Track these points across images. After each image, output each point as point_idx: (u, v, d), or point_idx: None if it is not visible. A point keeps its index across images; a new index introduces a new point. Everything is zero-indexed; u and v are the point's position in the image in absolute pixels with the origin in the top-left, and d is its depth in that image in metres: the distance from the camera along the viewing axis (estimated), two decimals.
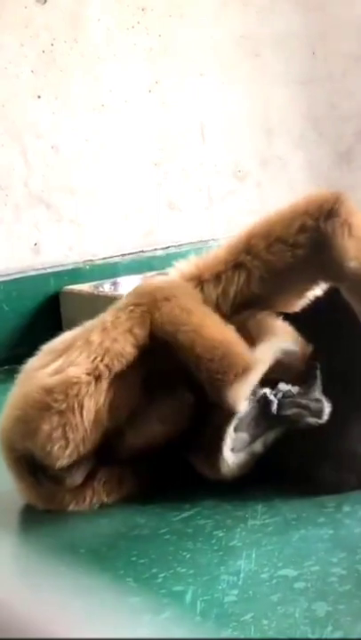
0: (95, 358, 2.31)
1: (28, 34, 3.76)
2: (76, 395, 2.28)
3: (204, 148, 4.17)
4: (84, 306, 3.71)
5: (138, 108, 4.01)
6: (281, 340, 2.40)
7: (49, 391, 2.29)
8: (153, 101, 4.05)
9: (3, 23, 3.72)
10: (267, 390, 2.36)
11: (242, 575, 2.03)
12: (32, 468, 2.36)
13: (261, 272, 2.47)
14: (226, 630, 1.84)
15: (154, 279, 2.53)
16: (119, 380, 2.32)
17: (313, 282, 2.51)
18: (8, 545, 2.35)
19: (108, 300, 3.63)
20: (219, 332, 2.35)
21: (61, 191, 3.86)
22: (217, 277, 2.49)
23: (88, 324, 2.48)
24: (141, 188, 4.03)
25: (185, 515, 2.32)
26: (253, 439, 2.37)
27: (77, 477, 2.36)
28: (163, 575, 2.06)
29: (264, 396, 2.35)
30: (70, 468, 2.33)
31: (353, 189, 4.57)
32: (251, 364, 2.32)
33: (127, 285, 3.77)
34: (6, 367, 3.68)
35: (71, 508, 2.38)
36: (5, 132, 3.75)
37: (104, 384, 2.30)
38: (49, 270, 3.83)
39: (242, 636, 1.82)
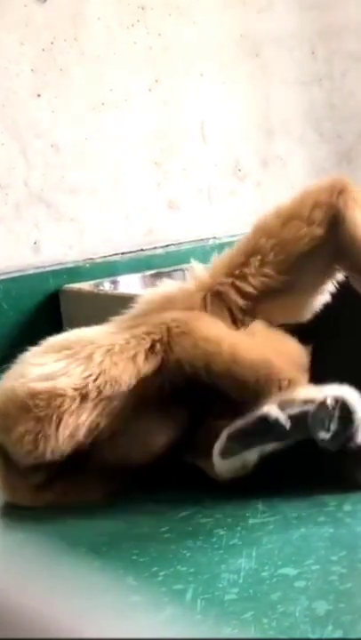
0: (89, 376, 2.28)
1: (27, 32, 3.76)
2: (58, 407, 2.26)
3: (205, 148, 4.17)
4: (84, 304, 3.71)
5: (138, 106, 4.01)
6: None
7: (33, 395, 2.28)
8: (153, 100, 4.04)
9: (2, 22, 3.72)
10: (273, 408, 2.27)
11: (242, 574, 2.03)
12: (4, 457, 2.37)
13: (277, 252, 2.46)
14: (226, 629, 1.83)
15: (172, 312, 2.42)
16: (107, 402, 2.29)
17: (328, 267, 2.49)
18: (7, 543, 2.35)
19: (107, 299, 3.64)
20: (255, 352, 2.30)
21: (61, 190, 3.86)
22: (231, 275, 2.48)
23: (99, 330, 2.46)
24: (141, 187, 4.02)
25: (185, 513, 2.32)
26: (246, 448, 2.33)
27: (37, 478, 2.37)
28: (163, 573, 2.06)
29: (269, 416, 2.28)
30: (35, 468, 2.34)
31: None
32: (296, 376, 2.29)
33: (127, 284, 3.78)
34: (5, 366, 3.67)
35: (29, 503, 2.39)
36: (5, 131, 3.74)
37: (89, 404, 2.28)
38: (49, 269, 3.82)
39: (242, 635, 1.81)
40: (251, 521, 2.26)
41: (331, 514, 2.28)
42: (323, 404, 2.22)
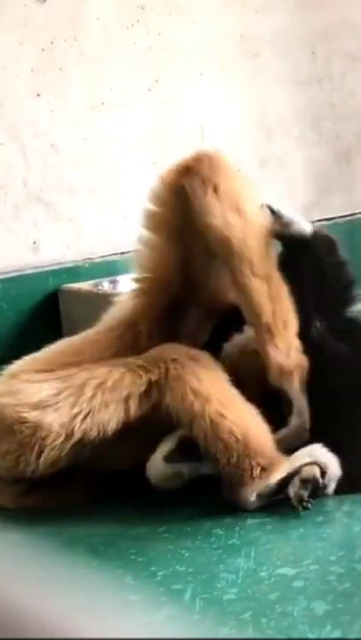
0: (77, 414, 2.26)
1: (27, 32, 3.76)
2: (42, 439, 2.28)
3: (204, 147, 4.17)
4: (83, 304, 3.71)
5: (137, 106, 4.01)
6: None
7: (21, 421, 2.29)
8: (152, 100, 4.04)
9: (2, 21, 3.72)
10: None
11: (241, 574, 2.03)
12: None
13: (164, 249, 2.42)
14: (224, 628, 1.83)
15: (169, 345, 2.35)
16: (90, 442, 2.29)
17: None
18: (5, 543, 2.34)
19: (107, 299, 3.63)
20: (237, 422, 2.24)
21: (60, 190, 3.86)
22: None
23: (93, 335, 2.43)
24: (140, 187, 4.01)
25: (184, 513, 2.32)
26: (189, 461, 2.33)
27: (18, 488, 2.40)
28: (162, 573, 2.06)
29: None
30: (15, 480, 2.37)
31: (352, 189, 4.57)
32: (271, 462, 2.27)
33: (126, 283, 3.77)
34: (4, 366, 3.67)
35: (11, 507, 2.41)
36: (4, 131, 3.74)
37: (71, 442, 2.28)
38: (48, 268, 3.82)
39: (240, 635, 1.82)
40: (249, 521, 2.26)
41: (329, 514, 2.28)
42: (299, 497, 2.25)
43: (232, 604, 1.92)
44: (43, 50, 3.79)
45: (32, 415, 2.28)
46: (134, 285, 2.52)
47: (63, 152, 3.85)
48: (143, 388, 2.26)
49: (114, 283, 3.76)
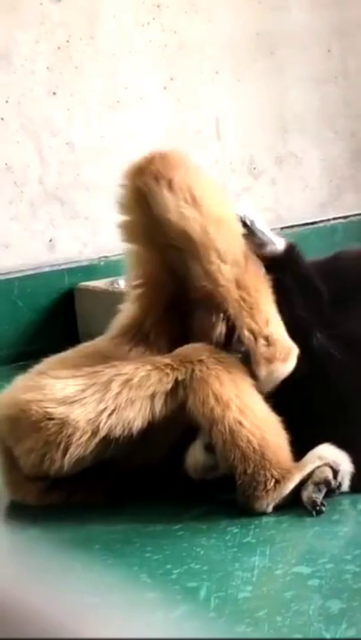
0: (103, 410, 2.25)
1: (43, 30, 3.77)
2: (68, 436, 2.27)
3: (219, 146, 4.17)
4: (98, 302, 3.71)
5: (153, 104, 4.01)
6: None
7: (47, 417, 2.28)
8: (168, 98, 4.05)
9: (18, 20, 3.73)
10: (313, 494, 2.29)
11: (256, 572, 2.03)
12: (12, 458, 2.39)
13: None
14: (240, 626, 1.84)
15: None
16: (115, 440, 2.28)
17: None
18: (22, 541, 2.35)
19: (122, 297, 3.64)
20: (255, 431, 2.24)
21: (76, 188, 3.86)
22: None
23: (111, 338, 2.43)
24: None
25: (199, 511, 2.32)
26: None
27: (42, 483, 2.39)
28: (177, 571, 2.07)
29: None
30: (39, 476, 2.37)
31: None
32: (285, 474, 2.27)
33: None
34: (21, 363, 3.68)
35: (34, 503, 2.41)
36: (21, 129, 3.75)
37: (97, 440, 2.28)
38: (64, 267, 3.83)
39: (256, 633, 1.82)
40: (264, 519, 2.26)
41: (345, 512, 2.28)
42: (313, 501, 2.26)
43: (247, 602, 1.92)
44: (59, 48, 3.80)
45: (58, 411, 2.27)
46: (131, 291, 2.52)
47: (79, 150, 3.86)
48: (169, 387, 2.27)
49: None
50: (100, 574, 2.12)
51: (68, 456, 2.28)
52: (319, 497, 2.25)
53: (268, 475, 2.25)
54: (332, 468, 2.29)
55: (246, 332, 2.31)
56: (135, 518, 2.32)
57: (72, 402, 2.28)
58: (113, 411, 2.26)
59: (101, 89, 3.90)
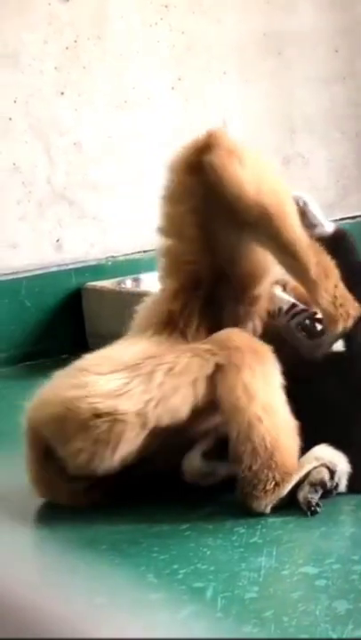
0: (149, 400, 2.26)
1: (51, 31, 3.77)
2: (119, 433, 2.26)
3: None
4: (105, 302, 3.72)
5: (161, 104, 4.01)
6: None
7: (96, 416, 2.26)
8: (176, 98, 4.05)
9: (26, 20, 3.73)
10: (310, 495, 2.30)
11: (262, 572, 2.03)
12: (46, 455, 2.37)
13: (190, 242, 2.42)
14: (246, 627, 1.84)
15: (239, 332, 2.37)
16: (160, 430, 2.29)
17: (233, 233, 2.40)
18: (29, 541, 2.36)
19: (129, 297, 3.64)
20: (272, 431, 2.25)
21: (84, 188, 3.87)
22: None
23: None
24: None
25: (206, 511, 2.32)
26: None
27: (82, 484, 2.38)
28: (183, 571, 2.07)
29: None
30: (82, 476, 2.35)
31: None
32: (285, 477, 2.28)
33: (149, 282, 3.78)
34: (28, 363, 3.69)
35: (69, 504, 2.39)
36: (29, 129, 3.76)
37: (145, 432, 2.27)
38: (71, 266, 3.83)
39: (262, 633, 1.82)
40: (271, 519, 2.26)
41: (351, 513, 2.28)
42: (308, 501, 2.27)
43: (254, 603, 1.92)
44: (67, 48, 3.80)
45: (106, 405, 2.26)
46: (166, 286, 2.51)
47: (87, 150, 3.86)
48: (210, 372, 2.28)
49: (137, 281, 3.77)
50: (107, 575, 2.12)
51: (118, 453, 2.27)
52: (315, 497, 2.26)
53: (271, 476, 2.26)
54: (328, 468, 2.29)
55: (323, 293, 2.35)
56: (142, 518, 2.32)
57: (118, 395, 2.26)
58: (159, 400, 2.26)
59: (109, 89, 3.90)
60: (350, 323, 2.37)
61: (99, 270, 3.85)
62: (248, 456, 2.26)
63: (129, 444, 2.27)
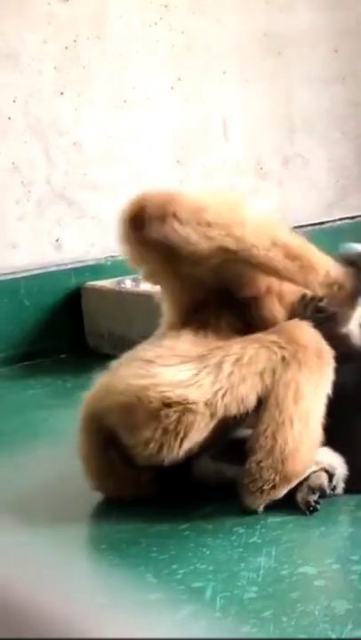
0: (218, 390, 2.27)
1: (50, 30, 3.77)
2: (189, 423, 2.27)
3: (227, 146, 4.17)
4: (105, 302, 3.72)
5: (160, 104, 4.01)
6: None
7: (166, 405, 2.26)
8: (175, 98, 4.05)
9: (26, 20, 3.73)
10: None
11: (262, 572, 2.03)
12: (108, 444, 2.35)
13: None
14: (245, 627, 1.84)
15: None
16: (226, 420, 2.30)
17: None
18: (28, 541, 2.36)
19: (129, 296, 3.64)
20: (297, 439, 2.27)
21: (83, 187, 3.87)
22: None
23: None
24: (163, 185, 4.02)
25: (205, 511, 2.32)
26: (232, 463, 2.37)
27: (149, 473, 2.37)
28: (182, 571, 2.07)
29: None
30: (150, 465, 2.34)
31: None
32: (284, 482, 2.28)
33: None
34: (27, 362, 3.69)
35: (125, 493, 2.38)
36: (28, 129, 3.76)
37: (214, 422, 2.28)
38: (70, 266, 3.83)
39: (261, 633, 1.82)
40: (270, 519, 2.26)
41: (350, 513, 2.28)
42: (307, 502, 2.28)
43: (253, 603, 1.92)
44: (66, 48, 3.80)
45: (176, 394, 2.26)
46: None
47: (86, 150, 3.86)
48: (278, 364, 2.29)
49: (136, 281, 3.76)
50: (106, 575, 2.12)
51: (186, 443, 2.27)
52: (313, 498, 2.27)
53: (272, 478, 2.26)
54: (327, 472, 2.30)
55: (318, 287, 2.37)
56: (141, 518, 2.32)
57: (187, 386, 2.27)
58: (227, 390, 2.27)
59: (109, 89, 3.90)
60: (356, 299, 2.39)
61: (98, 270, 3.84)
62: (263, 451, 2.27)
63: (198, 433, 2.27)
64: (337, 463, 2.32)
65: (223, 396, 2.27)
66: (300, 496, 2.28)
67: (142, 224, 2.36)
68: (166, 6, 3.98)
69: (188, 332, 2.41)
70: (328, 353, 2.33)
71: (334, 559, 2.08)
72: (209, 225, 2.32)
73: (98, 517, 2.35)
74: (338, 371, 2.35)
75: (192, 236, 2.31)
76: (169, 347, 2.39)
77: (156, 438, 2.27)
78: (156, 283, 2.52)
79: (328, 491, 2.29)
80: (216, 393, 2.27)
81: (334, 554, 2.11)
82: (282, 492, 2.29)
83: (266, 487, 2.27)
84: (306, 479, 2.29)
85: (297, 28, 4.30)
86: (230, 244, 2.32)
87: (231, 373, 2.28)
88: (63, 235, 3.85)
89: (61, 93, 3.81)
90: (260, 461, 2.27)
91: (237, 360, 2.29)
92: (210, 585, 2.00)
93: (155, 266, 2.42)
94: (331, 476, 2.31)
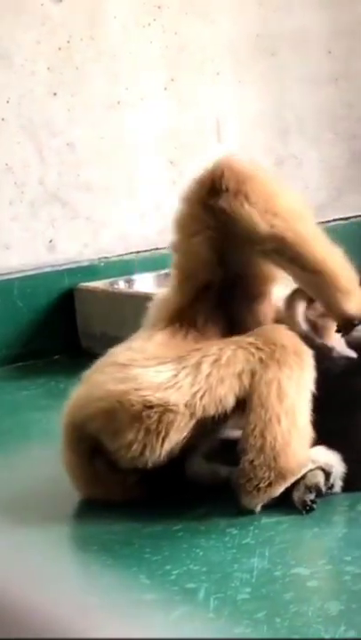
0: (197, 392, 2.28)
1: (44, 31, 3.77)
2: (170, 423, 2.28)
3: (220, 147, 4.17)
4: (98, 303, 3.71)
5: (153, 105, 4.01)
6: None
7: (148, 407, 2.27)
8: (169, 99, 4.05)
9: (19, 20, 3.73)
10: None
11: (255, 573, 2.03)
12: (92, 451, 2.36)
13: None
14: (238, 628, 1.84)
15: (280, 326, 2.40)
16: (205, 420, 2.31)
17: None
18: (20, 542, 2.35)
19: (122, 297, 3.64)
20: (286, 435, 2.28)
21: (77, 188, 3.87)
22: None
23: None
24: (157, 186, 4.02)
25: (198, 512, 2.32)
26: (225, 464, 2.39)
27: (134, 477, 2.37)
28: (176, 572, 2.06)
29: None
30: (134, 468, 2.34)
31: None
32: (279, 479, 2.28)
33: (142, 283, 3.78)
34: (20, 364, 3.69)
35: (115, 497, 2.38)
36: (21, 130, 3.76)
37: (193, 422, 2.29)
38: (64, 267, 3.83)
39: (254, 634, 1.82)
40: (264, 520, 2.26)
41: (344, 514, 2.28)
42: (303, 501, 2.29)
43: (246, 604, 1.92)
44: (59, 49, 3.80)
45: (157, 397, 2.27)
46: (172, 284, 2.53)
47: (80, 151, 3.86)
48: (255, 365, 2.30)
49: (129, 282, 3.77)
50: (99, 575, 2.12)
51: (167, 444, 2.28)
52: (309, 497, 2.27)
53: (267, 475, 2.27)
54: (324, 470, 2.30)
55: (353, 303, 2.39)
56: (134, 519, 2.32)
57: (167, 387, 2.29)
58: (206, 391, 2.29)
59: (102, 90, 3.90)
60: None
61: (91, 271, 3.84)
62: (254, 450, 2.27)
63: (178, 433, 2.28)
64: (334, 461, 2.33)
65: (202, 397, 2.28)
66: (296, 495, 2.28)
67: (216, 190, 2.39)
68: (160, 7, 3.98)
69: (166, 333, 2.43)
70: (307, 351, 2.34)
71: (328, 560, 2.08)
72: (275, 214, 2.37)
73: (91, 518, 2.35)
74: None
75: (256, 219, 2.35)
76: (140, 349, 2.41)
77: (138, 440, 2.28)
78: (184, 253, 2.49)
79: (325, 489, 2.29)
80: (195, 394, 2.28)
81: (328, 555, 2.11)
82: (278, 489, 2.28)
83: (262, 485, 2.27)
84: (302, 478, 2.30)
85: (290, 29, 4.30)
86: (289, 237, 2.36)
87: (209, 374, 2.29)
88: (56, 235, 3.85)
89: (55, 94, 3.80)
90: (253, 460, 2.27)
91: (215, 361, 2.30)
92: (203, 586, 2.00)
93: (203, 232, 2.42)
94: (328, 474, 2.31)
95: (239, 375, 2.30)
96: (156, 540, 2.21)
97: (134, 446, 2.28)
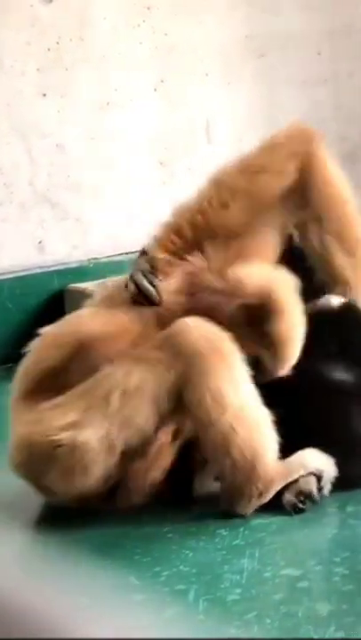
0: (110, 428, 2.19)
1: (33, 32, 3.76)
2: (83, 460, 2.23)
3: (210, 147, 4.17)
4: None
5: (143, 106, 4.01)
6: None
7: (56, 445, 2.23)
8: (158, 100, 4.05)
9: (8, 21, 3.72)
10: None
11: (245, 574, 2.03)
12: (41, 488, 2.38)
13: (242, 201, 2.48)
14: (229, 629, 1.84)
15: (196, 324, 2.19)
16: (135, 450, 2.25)
17: (292, 213, 2.50)
18: (11, 543, 2.35)
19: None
20: (248, 440, 2.19)
21: (66, 189, 3.86)
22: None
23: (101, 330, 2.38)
24: (147, 187, 4.02)
25: (188, 513, 2.32)
26: None
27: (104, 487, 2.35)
28: (166, 574, 2.06)
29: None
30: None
31: (357, 191, 4.57)
32: (268, 485, 2.26)
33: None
34: (9, 365, 3.68)
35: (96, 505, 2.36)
36: (11, 130, 3.75)
37: (116, 454, 2.23)
38: (53, 268, 3.83)
39: (245, 635, 1.82)
40: (254, 521, 2.26)
41: (333, 515, 2.28)
42: (293, 504, 2.28)
43: (236, 605, 1.92)
44: (49, 50, 3.80)
45: (66, 437, 2.21)
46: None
47: (69, 152, 3.85)
48: (170, 385, 2.18)
49: None
50: (89, 576, 2.12)
51: (91, 476, 2.23)
52: (300, 500, 2.26)
53: (255, 488, 2.24)
54: (315, 475, 2.29)
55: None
56: (124, 520, 2.31)
57: (76, 425, 2.21)
58: (121, 424, 2.19)
59: (92, 90, 3.89)
60: None
61: (81, 272, 3.84)
62: (229, 471, 2.22)
63: (99, 466, 2.22)
64: (325, 465, 2.31)
65: (118, 430, 2.19)
66: (286, 497, 2.27)
67: (313, 140, 2.61)
68: (149, 8, 3.98)
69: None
70: (224, 342, 2.18)
71: (317, 561, 2.09)
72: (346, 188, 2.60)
73: (81, 520, 2.35)
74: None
75: (333, 172, 2.60)
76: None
77: (61, 477, 2.25)
78: (263, 203, 2.52)
79: (316, 495, 2.28)
80: (109, 429, 2.19)
81: (317, 556, 2.11)
82: (270, 494, 2.28)
83: (253, 495, 2.25)
84: (295, 482, 2.28)
85: (280, 30, 4.30)
86: (338, 212, 2.54)
87: (121, 407, 2.18)
88: (46, 236, 3.84)
89: (44, 95, 3.80)
90: (233, 482, 2.24)
91: (124, 393, 2.18)
92: (193, 587, 2.00)
93: (288, 176, 2.52)
94: (319, 478, 2.30)
95: (155, 401, 2.18)
96: (146, 542, 2.21)
97: (60, 483, 2.26)
